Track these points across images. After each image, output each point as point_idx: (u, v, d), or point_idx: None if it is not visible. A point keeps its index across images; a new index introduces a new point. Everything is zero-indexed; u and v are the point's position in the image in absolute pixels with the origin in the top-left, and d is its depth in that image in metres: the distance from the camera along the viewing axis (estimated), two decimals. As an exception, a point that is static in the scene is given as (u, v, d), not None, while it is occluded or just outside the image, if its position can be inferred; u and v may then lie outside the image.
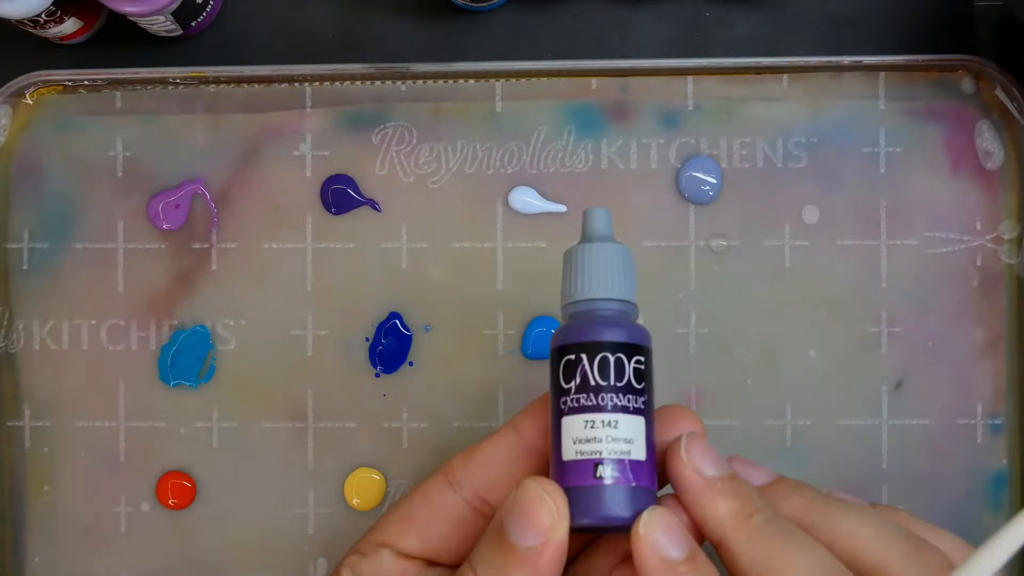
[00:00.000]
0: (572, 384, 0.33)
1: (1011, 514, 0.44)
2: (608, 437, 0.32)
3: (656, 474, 0.33)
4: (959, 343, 0.44)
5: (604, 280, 0.34)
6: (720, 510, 0.32)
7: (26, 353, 0.45)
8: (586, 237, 0.35)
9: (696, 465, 0.33)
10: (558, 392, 0.33)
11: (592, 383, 0.32)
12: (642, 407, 0.33)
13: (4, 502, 0.45)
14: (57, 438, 0.45)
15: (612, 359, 0.33)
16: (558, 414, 0.33)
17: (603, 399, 0.32)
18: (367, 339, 0.45)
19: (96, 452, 0.45)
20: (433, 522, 0.35)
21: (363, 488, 0.45)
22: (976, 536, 0.44)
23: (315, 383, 0.45)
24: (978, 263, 0.44)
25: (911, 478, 0.44)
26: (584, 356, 0.33)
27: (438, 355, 0.45)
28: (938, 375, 0.44)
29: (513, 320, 0.45)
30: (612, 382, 0.32)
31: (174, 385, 0.45)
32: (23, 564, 0.45)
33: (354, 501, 0.45)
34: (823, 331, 0.44)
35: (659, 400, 0.34)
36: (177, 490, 0.45)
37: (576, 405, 0.33)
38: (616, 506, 0.32)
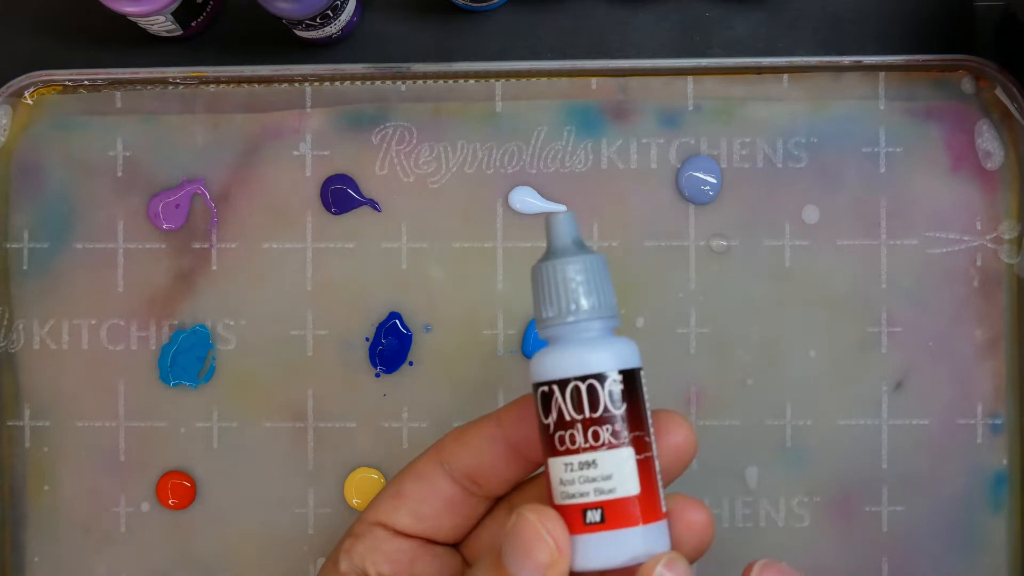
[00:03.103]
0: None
1: (1011, 514, 0.44)
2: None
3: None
4: (959, 343, 0.44)
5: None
6: None
7: (26, 353, 0.45)
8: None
9: None
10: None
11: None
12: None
13: (4, 502, 0.45)
14: (57, 438, 0.45)
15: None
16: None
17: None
18: (367, 339, 0.45)
19: (96, 452, 0.45)
20: (425, 499, 0.35)
21: (363, 488, 0.45)
22: (976, 536, 0.44)
23: (315, 383, 0.45)
24: (978, 263, 0.44)
25: (911, 478, 0.44)
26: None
27: (438, 355, 0.45)
28: (938, 375, 0.44)
29: (513, 320, 0.45)
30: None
31: (174, 385, 0.45)
32: (23, 564, 0.45)
33: (354, 501, 0.45)
34: (823, 331, 0.44)
35: (660, 401, 0.34)
36: (177, 490, 0.45)
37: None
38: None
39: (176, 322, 0.45)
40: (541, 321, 0.32)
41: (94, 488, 0.45)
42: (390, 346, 0.45)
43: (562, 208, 0.45)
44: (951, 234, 0.44)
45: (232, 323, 0.45)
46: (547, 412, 0.31)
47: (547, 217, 0.33)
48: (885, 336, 0.44)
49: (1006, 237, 0.44)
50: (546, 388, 0.31)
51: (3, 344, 0.45)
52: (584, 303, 0.32)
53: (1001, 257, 0.44)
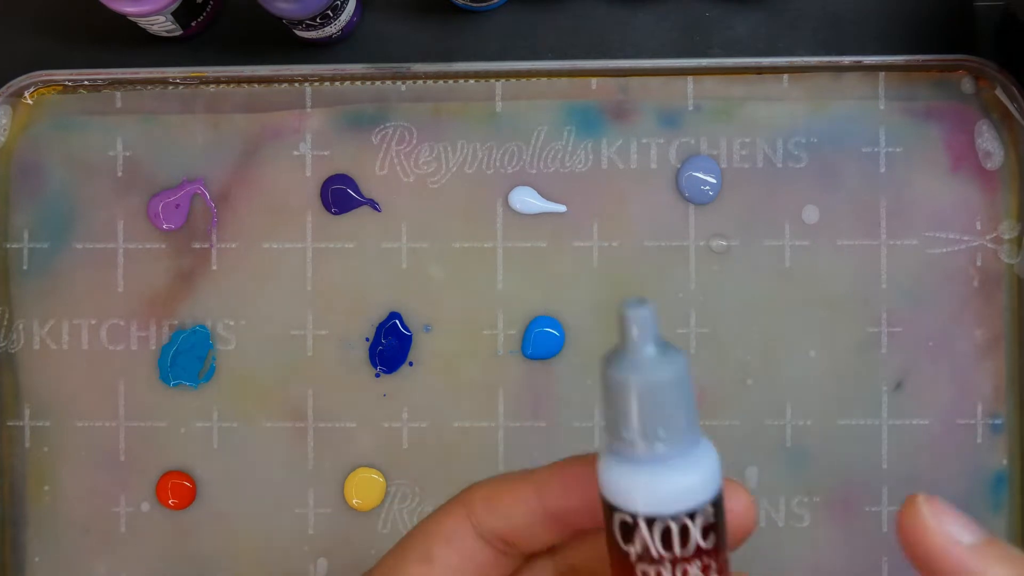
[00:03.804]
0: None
1: (1011, 514, 0.44)
2: None
3: None
4: (959, 343, 0.44)
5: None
6: None
7: (26, 353, 0.45)
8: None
9: (951, 534, 0.29)
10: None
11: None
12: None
13: (4, 502, 0.45)
14: (57, 438, 0.45)
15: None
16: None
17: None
18: (367, 339, 0.45)
19: (96, 452, 0.45)
20: (455, 565, 0.32)
21: (363, 488, 0.45)
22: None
23: (315, 383, 0.45)
24: (978, 263, 0.44)
25: (911, 478, 0.44)
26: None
27: (438, 355, 0.45)
28: (938, 375, 0.44)
29: (513, 320, 0.45)
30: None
31: (174, 385, 0.45)
32: (23, 564, 0.45)
33: (354, 501, 0.45)
34: (823, 331, 0.44)
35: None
36: (177, 490, 0.45)
37: None
38: None
39: (176, 322, 0.45)
40: (620, 440, 0.27)
41: (94, 488, 0.45)
42: (390, 346, 0.45)
43: (563, 208, 0.44)
44: (951, 234, 0.44)
45: (232, 323, 0.45)
46: (628, 540, 0.28)
47: (623, 312, 0.27)
48: (885, 336, 0.44)
49: (1006, 237, 0.44)
50: (629, 519, 0.28)
51: (3, 344, 0.45)
52: (674, 426, 0.27)
53: (1001, 257, 0.44)
